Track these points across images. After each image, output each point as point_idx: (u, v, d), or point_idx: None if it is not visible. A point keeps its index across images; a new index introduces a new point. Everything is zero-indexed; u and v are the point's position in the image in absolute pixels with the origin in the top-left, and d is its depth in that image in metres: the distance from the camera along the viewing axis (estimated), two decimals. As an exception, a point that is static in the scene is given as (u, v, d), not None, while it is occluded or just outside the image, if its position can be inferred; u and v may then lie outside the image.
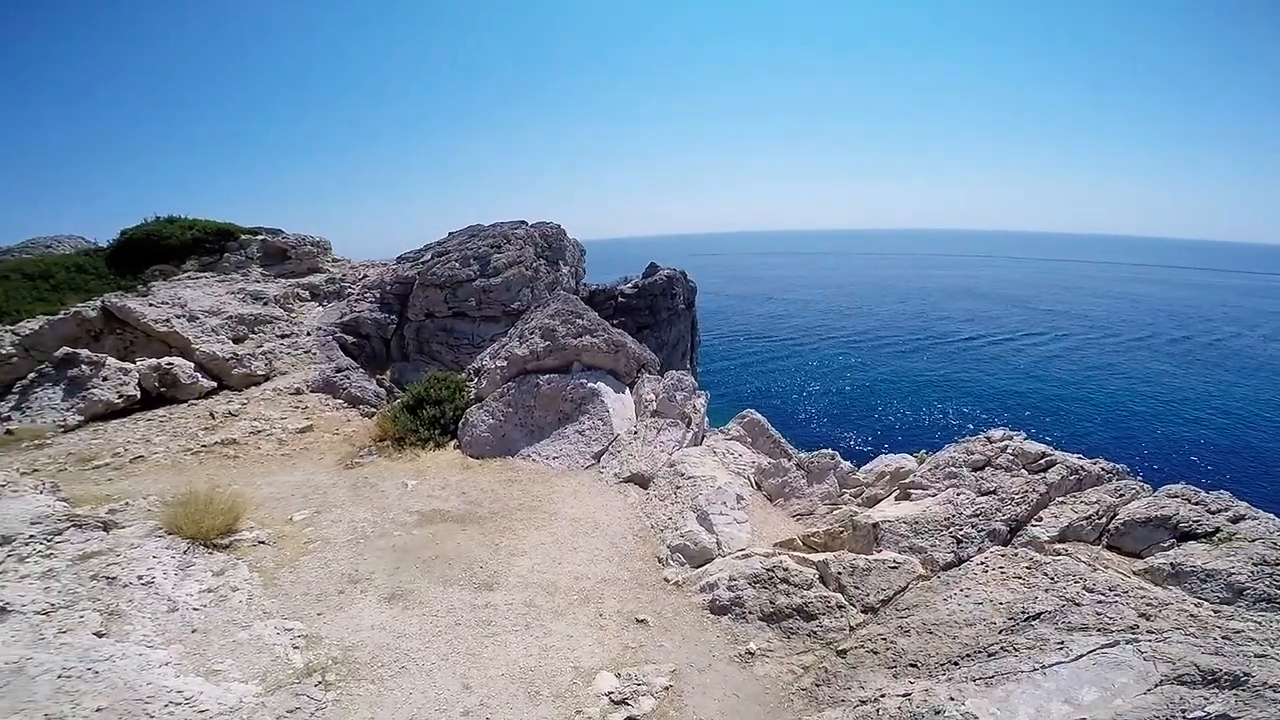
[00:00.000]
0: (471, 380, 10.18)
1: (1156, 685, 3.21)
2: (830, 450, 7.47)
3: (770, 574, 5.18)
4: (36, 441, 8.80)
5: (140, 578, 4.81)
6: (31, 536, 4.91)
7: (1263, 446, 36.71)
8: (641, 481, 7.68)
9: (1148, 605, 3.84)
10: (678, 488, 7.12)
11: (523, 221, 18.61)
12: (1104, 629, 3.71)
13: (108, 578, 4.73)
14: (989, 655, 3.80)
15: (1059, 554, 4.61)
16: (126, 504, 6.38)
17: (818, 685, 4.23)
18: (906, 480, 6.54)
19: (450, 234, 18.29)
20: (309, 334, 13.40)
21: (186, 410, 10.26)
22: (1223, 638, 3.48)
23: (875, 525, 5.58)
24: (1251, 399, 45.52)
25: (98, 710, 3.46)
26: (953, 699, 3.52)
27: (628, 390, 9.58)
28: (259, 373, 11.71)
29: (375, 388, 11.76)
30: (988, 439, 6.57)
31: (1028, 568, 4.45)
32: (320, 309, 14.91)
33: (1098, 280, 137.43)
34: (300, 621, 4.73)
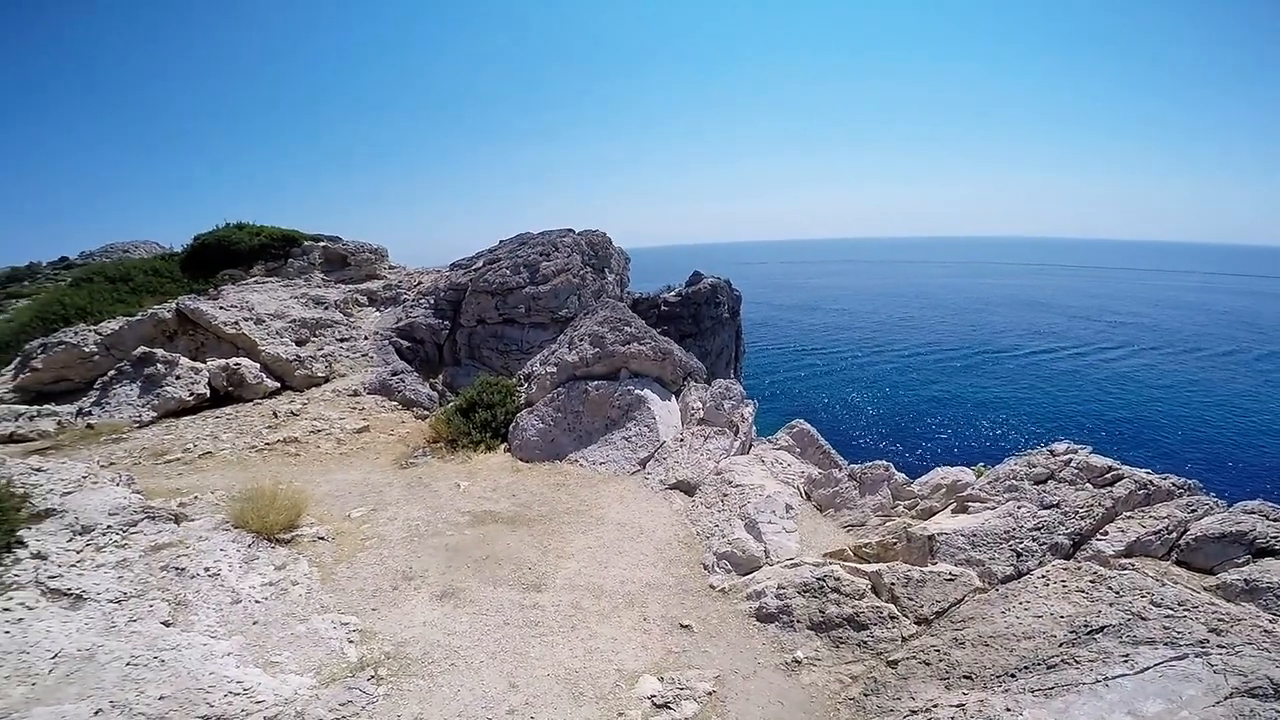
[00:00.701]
0: (522, 385, 10.32)
1: (1226, 698, 3.05)
2: (884, 461, 7.27)
3: (821, 583, 5.07)
4: (114, 436, 9.31)
5: (207, 569, 5.00)
6: (109, 527, 5.15)
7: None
8: (687, 488, 7.64)
9: (1219, 620, 3.62)
10: (725, 495, 7.04)
11: (570, 229, 18.82)
12: (1172, 642, 3.51)
13: (177, 568, 4.93)
14: (1048, 667, 3.64)
15: (1125, 568, 4.40)
16: (195, 497, 6.68)
17: (866, 695, 4.12)
18: (964, 493, 6.32)
19: (501, 241, 18.63)
20: (366, 338, 13.84)
21: (252, 409, 10.70)
22: (1298, 651, 3.27)
23: (931, 537, 5.42)
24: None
25: (160, 698, 3.57)
26: (1009, 709, 3.38)
27: (674, 398, 9.55)
28: (319, 374, 12.13)
29: (429, 391, 12.03)
30: (1051, 452, 6.33)
31: (1091, 581, 4.25)
32: (377, 314, 15.38)
33: (1168, 289, 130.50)
34: (356, 616, 4.85)
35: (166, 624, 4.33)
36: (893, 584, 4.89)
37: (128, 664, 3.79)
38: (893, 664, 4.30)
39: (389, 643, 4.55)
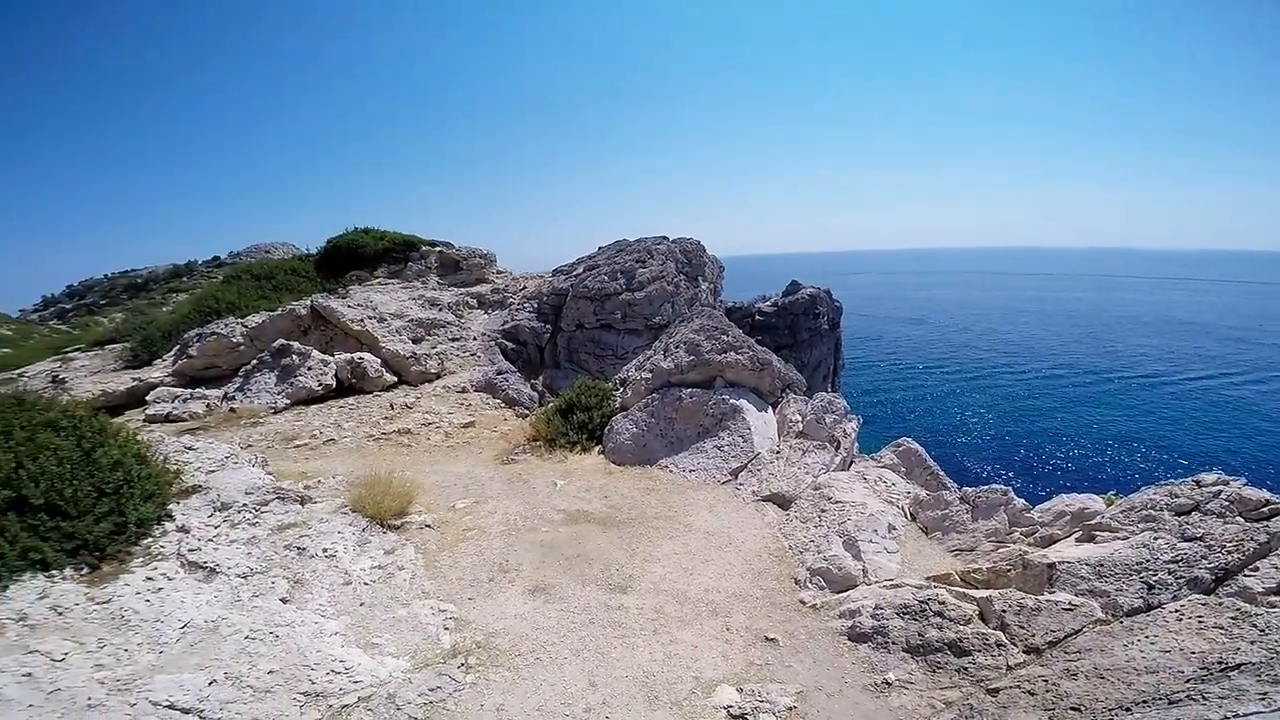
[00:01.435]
0: (617, 389, 10.45)
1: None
2: (1002, 485, 6.77)
3: (923, 606, 4.78)
4: (252, 420, 10.29)
5: (325, 550, 5.31)
6: (244, 505, 5.59)
7: None
8: (781, 502, 7.43)
9: (1379, 661, 3.10)
10: (823, 511, 6.79)
11: (664, 237, 18.88)
12: (1321, 683, 3.03)
13: (299, 548, 5.25)
14: (1170, 702, 3.24)
15: (1275, 606, 3.86)
16: (319, 481, 7.21)
17: (958, 721, 3.82)
18: (1092, 521, 5.77)
19: (599, 248, 18.98)
20: (475, 338, 14.52)
21: (371, 400, 11.51)
22: None
23: (1051, 565, 4.97)
24: None
25: (269, 672, 3.76)
26: (1118, 741, 3.01)
27: (770, 410, 9.34)
28: (432, 371, 12.86)
29: (530, 391, 12.46)
30: (1197, 482, 5.65)
31: (1233, 618, 3.76)
32: (485, 316, 16.11)
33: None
34: (453, 604, 5.06)
35: (284, 600, 4.59)
36: (1003, 611, 4.55)
37: (246, 637, 4.02)
38: (993, 692, 3.99)
39: (481, 632, 4.71)
